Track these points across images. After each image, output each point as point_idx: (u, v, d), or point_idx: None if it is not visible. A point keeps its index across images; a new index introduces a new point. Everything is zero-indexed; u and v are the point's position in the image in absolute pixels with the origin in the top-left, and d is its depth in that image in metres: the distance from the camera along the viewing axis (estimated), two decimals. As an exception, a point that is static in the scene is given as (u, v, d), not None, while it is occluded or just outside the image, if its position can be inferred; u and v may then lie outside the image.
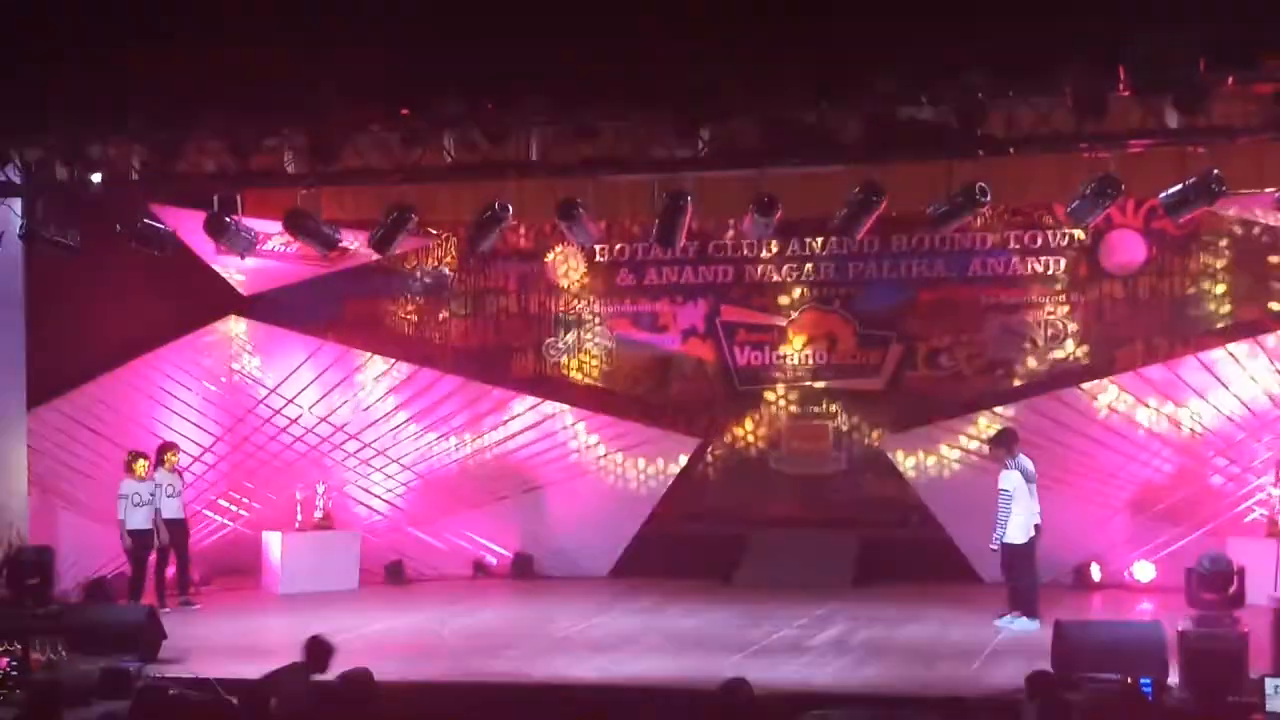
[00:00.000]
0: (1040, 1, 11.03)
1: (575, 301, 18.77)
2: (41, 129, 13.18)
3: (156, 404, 17.31)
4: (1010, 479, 14.17)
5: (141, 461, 15.56)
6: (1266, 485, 15.58)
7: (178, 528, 15.88)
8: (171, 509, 15.78)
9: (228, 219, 13.70)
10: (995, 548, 14.22)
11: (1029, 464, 14.28)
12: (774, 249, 17.98)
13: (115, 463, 16.50)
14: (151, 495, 15.53)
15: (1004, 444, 14.49)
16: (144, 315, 16.14)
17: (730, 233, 17.69)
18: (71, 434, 16.29)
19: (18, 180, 13.47)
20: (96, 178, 13.38)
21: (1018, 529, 14.14)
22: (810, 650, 13.19)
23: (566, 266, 18.68)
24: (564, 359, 18.72)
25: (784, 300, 18.26)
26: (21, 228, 13.77)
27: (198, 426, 17.72)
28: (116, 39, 12.31)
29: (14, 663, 11.99)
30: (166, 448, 16.08)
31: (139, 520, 15.39)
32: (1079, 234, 16.70)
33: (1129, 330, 17.12)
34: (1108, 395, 16.78)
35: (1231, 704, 10.03)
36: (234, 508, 18.08)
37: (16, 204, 13.99)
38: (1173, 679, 11.00)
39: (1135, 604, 15.21)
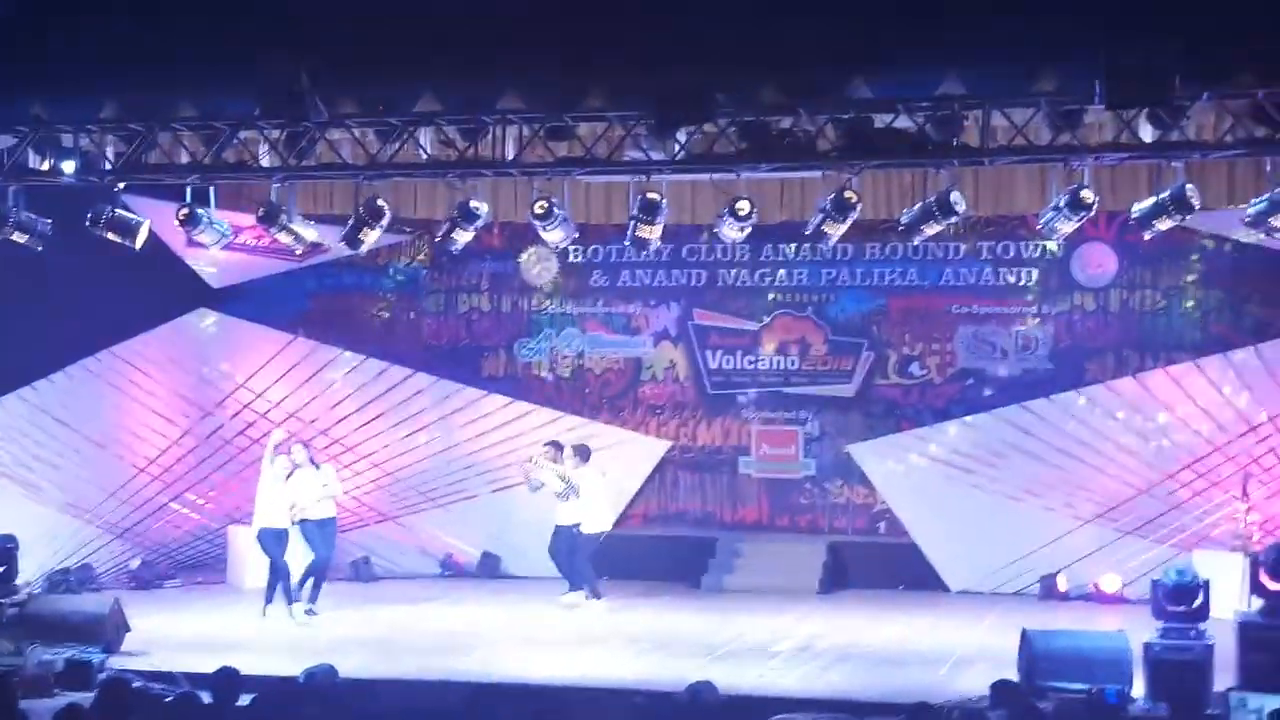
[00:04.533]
0: (1018, 13, 11.04)
1: (547, 302, 18.75)
2: (15, 117, 13.06)
3: (124, 395, 17.21)
4: (596, 474, 15.83)
5: (281, 459, 14.93)
6: (1233, 499, 15.65)
7: (315, 528, 15.01)
8: (315, 509, 14.98)
9: (200, 211, 13.61)
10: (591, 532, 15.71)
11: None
12: (747, 253, 17.98)
13: (82, 453, 16.47)
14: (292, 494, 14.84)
15: (585, 453, 15.93)
16: (113, 306, 16.00)
17: (704, 236, 17.67)
18: (38, 424, 16.19)
19: (-11, 168, 13.39)
20: (69, 167, 13.28)
21: (604, 519, 15.83)
22: (776, 655, 13.21)
23: (540, 266, 18.65)
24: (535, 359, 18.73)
25: (756, 305, 18.27)
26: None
27: (165, 419, 17.62)
28: (92, 27, 12.21)
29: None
30: (301, 443, 15.55)
31: (268, 519, 14.79)
32: (1051, 245, 16.73)
33: (1099, 342, 17.20)
34: (1077, 407, 16.84)
35: (1197, 717, 10.07)
36: (200, 500, 17.97)
37: (-13, 191, 13.90)
38: (1138, 690, 11.06)
39: (1101, 615, 15.25)
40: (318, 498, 14.93)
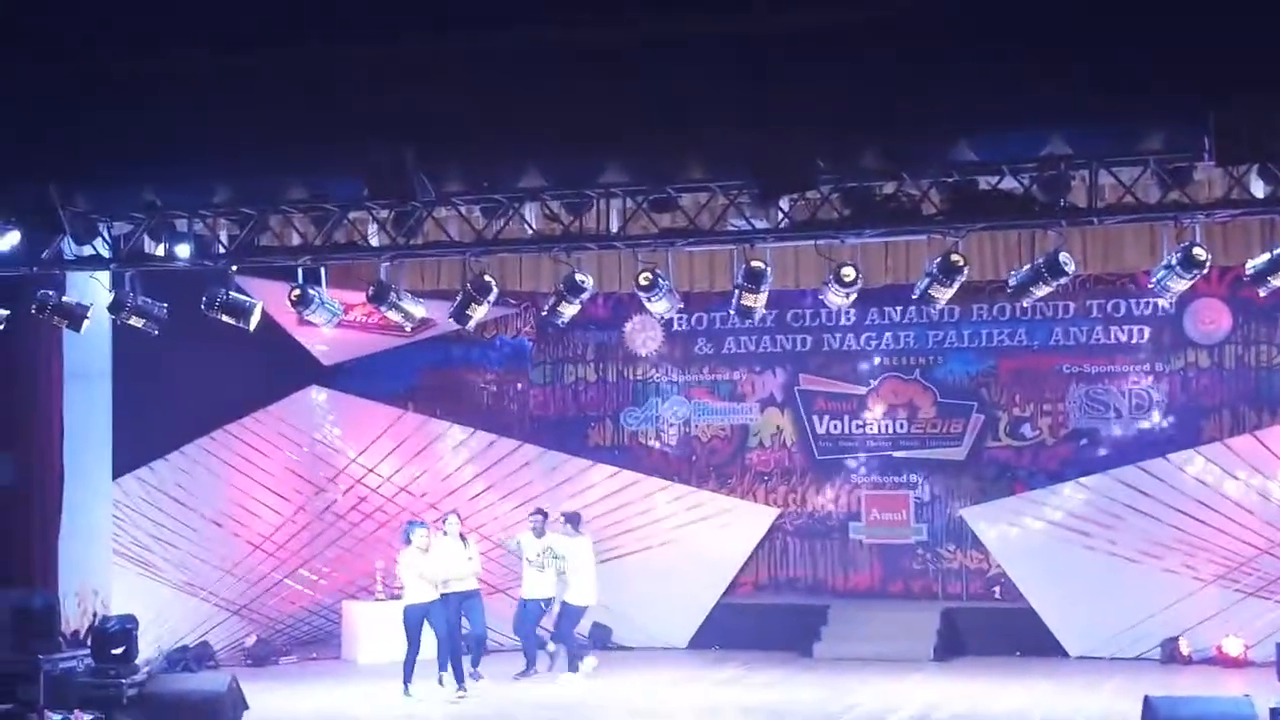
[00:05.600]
0: (1123, 71, 10.95)
1: (653, 371, 18.80)
2: (130, 204, 13.35)
3: (239, 473, 17.45)
4: (587, 545, 15.70)
5: (420, 531, 14.78)
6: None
7: (456, 601, 14.82)
8: (461, 581, 14.84)
9: (311, 291, 13.81)
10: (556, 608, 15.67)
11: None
12: (853, 317, 17.91)
13: (199, 531, 16.73)
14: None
15: (576, 521, 15.90)
16: (227, 385, 16.29)
17: (809, 301, 17.64)
18: (156, 503, 16.46)
19: (106, 254, 13.67)
20: (183, 251, 13.55)
21: (591, 592, 15.60)
22: (893, 725, 13.06)
23: (645, 336, 18.71)
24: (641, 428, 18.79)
25: (863, 369, 18.19)
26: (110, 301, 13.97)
27: (279, 495, 17.84)
28: (202, 115, 12.48)
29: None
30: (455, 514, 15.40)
31: (417, 594, 14.59)
32: (1163, 302, 16.50)
33: (1215, 400, 16.93)
34: (1194, 466, 16.53)
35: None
36: (315, 577, 18.15)
37: (105, 277, 14.21)
38: (1267, 758, 10.80)
39: (1225, 679, 14.91)
40: (467, 572, 14.86)
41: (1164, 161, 11.51)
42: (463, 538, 15.04)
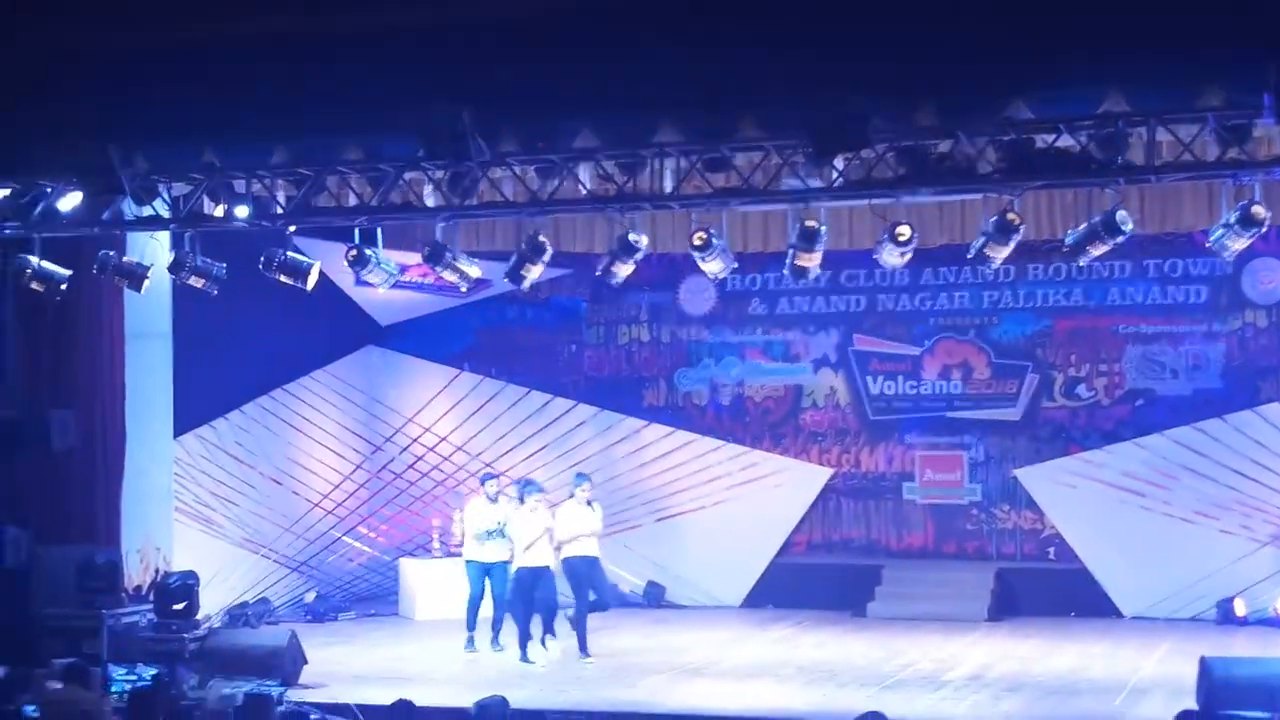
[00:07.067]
0: (1181, 27, 10.84)
1: (706, 331, 18.82)
2: (190, 165, 13.47)
3: (297, 432, 17.64)
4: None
5: (491, 482, 14.87)
6: None
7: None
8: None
9: (368, 251, 13.88)
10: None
11: None
12: (907, 278, 17.84)
13: (258, 489, 16.94)
14: (499, 525, 14.53)
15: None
16: (286, 345, 16.49)
17: (864, 262, 17.57)
18: (216, 461, 16.67)
19: (166, 215, 13.80)
20: (242, 211, 13.65)
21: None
22: (947, 684, 13.07)
23: (698, 296, 18.72)
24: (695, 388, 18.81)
25: (917, 329, 18.14)
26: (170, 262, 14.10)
27: (337, 454, 18.03)
28: (260, 76, 12.56)
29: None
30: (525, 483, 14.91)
31: (476, 551, 14.66)
32: (1221, 261, 16.34)
33: (1273, 360, 16.76)
34: (1251, 426, 16.42)
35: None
36: (372, 534, 18.35)
37: (164, 238, 14.35)
38: (1323, 718, 10.75)
39: (1282, 640, 14.86)
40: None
41: (1223, 118, 11.37)
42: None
